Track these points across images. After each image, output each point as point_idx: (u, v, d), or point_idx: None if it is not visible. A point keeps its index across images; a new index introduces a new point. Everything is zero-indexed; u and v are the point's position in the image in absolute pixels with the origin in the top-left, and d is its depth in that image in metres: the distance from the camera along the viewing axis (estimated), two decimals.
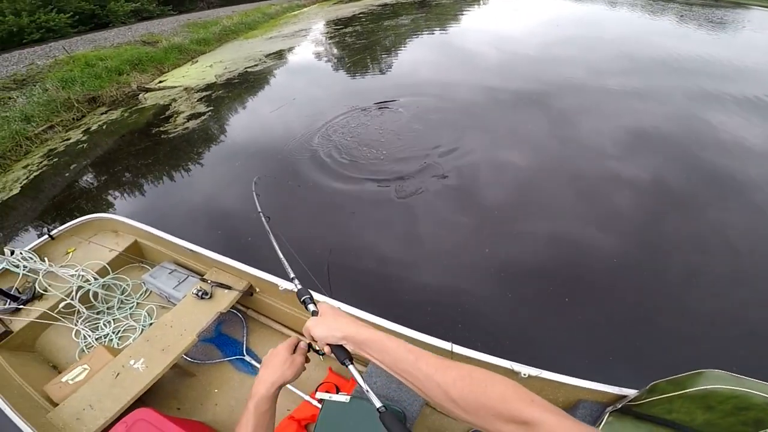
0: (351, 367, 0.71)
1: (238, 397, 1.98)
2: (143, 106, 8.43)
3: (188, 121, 7.03)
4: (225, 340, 2.26)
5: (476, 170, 4.35)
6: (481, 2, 17.40)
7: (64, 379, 1.76)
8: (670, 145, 4.67)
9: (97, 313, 2.36)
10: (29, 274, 2.32)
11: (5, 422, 1.56)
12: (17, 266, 2.30)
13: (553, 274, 3.04)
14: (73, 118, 8.02)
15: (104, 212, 2.83)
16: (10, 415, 1.55)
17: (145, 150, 6.13)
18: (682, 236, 3.37)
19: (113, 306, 2.40)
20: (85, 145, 6.74)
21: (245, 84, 9.05)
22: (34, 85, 8.96)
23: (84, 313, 2.28)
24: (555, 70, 7.36)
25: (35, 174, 5.85)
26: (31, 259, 2.38)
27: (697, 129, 5.02)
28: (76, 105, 8.28)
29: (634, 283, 2.97)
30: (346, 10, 18.82)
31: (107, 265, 2.46)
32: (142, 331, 2.24)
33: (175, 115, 7.38)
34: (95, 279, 2.37)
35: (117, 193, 5.08)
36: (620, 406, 1.36)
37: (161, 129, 6.81)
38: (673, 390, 1.20)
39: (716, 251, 3.22)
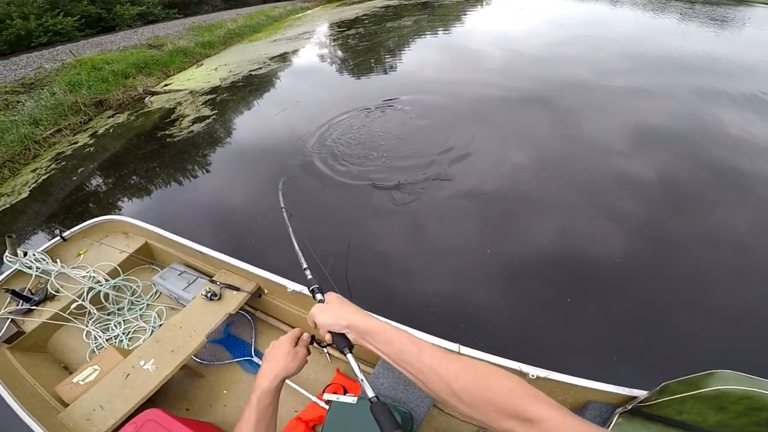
0: (349, 355, 0.71)
1: (247, 398, 1.99)
2: (149, 109, 8.53)
3: (193, 124, 7.10)
4: (234, 341, 2.28)
5: (481, 171, 4.35)
6: (484, 2, 17.40)
7: (75, 380, 1.79)
8: (676, 142, 4.65)
9: (108, 314, 2.40)
10: (42, 275, 2.36)
11: (17, 422, 1.59)
12: (30, 267, 2.34)
13: (557, 274, 3.04)
14: (81, 122, 8.13)
15: (113, 215, 2.87)
16: (21, 416, 1.59)
17: (152, 153, 6.20)
18: (690, 234, 3.36)
19: (123, 307, 2.44)
20: (92, 149, 6.84)
21: (249, 87, 9.12)
22: (42, 89, 9.10)
23: (95, 314, 2.32)
24: (559, 70, 7.35)
25: (44, 177, 5.94)
26: (44, 260, 2.42)
27: (703, 126, 4.99)
28: (84, 108, 8.40)
29: (640, 282, 2.96)
30: (350, 12, 18.91)
31: (118, 267, 2.50)
32: (151, 332, 2.27)
33: (181, 119, 7.46)
34: (106, 280, 2.41)
35: (125, 196, 5.15)
36: (630, 407, 1.35)
37: (167, 132, 6.89)
38: (684, 391, 1.18)
39: (724, 248, 3.20)
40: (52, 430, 1.56)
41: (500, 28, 12.06)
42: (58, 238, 2.65)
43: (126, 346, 2.24)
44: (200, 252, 2.28)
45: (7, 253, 2.40)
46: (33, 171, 6.20)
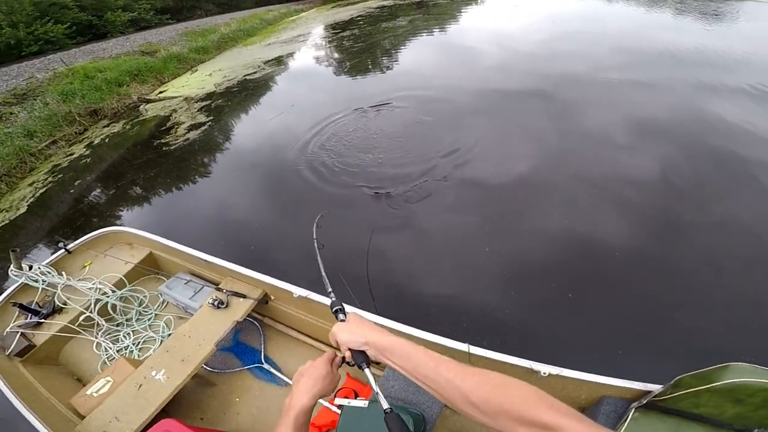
0: (366, 370, 0.76)
1: (260, 405, 2.04)
2: (144, 117, 8.58)
3: (189, 131, 7.15)
4: (243, 348, 2.32)
5: (482, 169, 4.40)
6: (479, 0, 17.52)
7: (89, 392, 1.83)
8: (674, 134, 4.70)
9: (117, 325, 2.43)
10: (48, 288, 2.40)
11: None
12: (36, 281, 2.39)
13: (560, 270, 3.08)
14: (76, 132, 8.17)
15: (113, 226, 2.91)
16: (40, 429, 1.62)
17: (149, 162, 6.25)
18: (694, 225, 3.39)
19: (132, 318, 2.48)
20: (89, 160, 6.88)
21: (244, 92, 9.19)
22: (35, 99, 9.16)
23: (104, 325, 2.36)
24: (556, 66, 7.42)
25: (41, 191, 5.98)
26: (50, 273, 2.46)
27: (701, 118, 5.05)
28: (78, 119, 8.44)
29: (643, 275, 2.99)
30: (344, 14, 19.02)
31: (123, 278, 2.54)
32: (161, 342, 2.31)
33: (176, 126, 7.51)
34: (113, 291, 2.45)
35: (125, 207, 5.20)
36: (645, 401, 1.36)
37: (163, 141, 6.94)
38: (698, 384, 1.19)
39: (729, 239, 3.23)
40: None
41: (496, 25, 12.15)
42: (63, 250, 2.69)
43: (137, 357, 2.27)
44: (205, 260, 2.32)
45: (12, 267, 2.44)
46: (30, 185, 6.24)
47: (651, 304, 2.77)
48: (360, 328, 0.77)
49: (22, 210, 5.50)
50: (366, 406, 1.34)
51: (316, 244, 1.43)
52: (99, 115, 9.01)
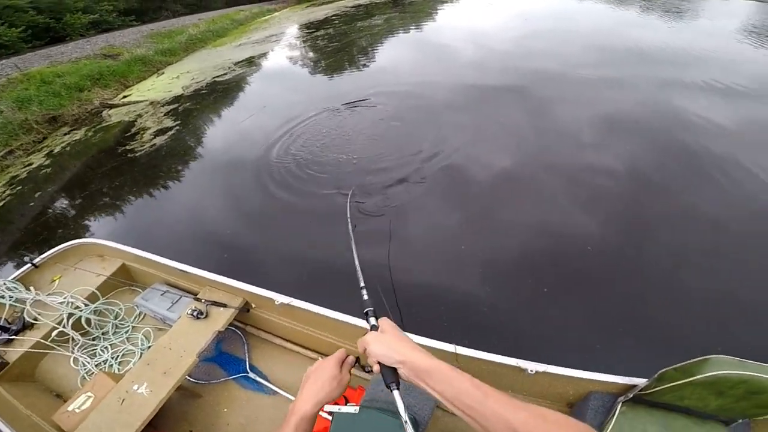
0: (396, 392, 0.70)
1: (248, 415, 2.03)
2: (108, 123, 8.34)
3: (156, 137, 7.00)
4: (227, 358, 2.30)
5: (457, 168, 4.49)
6: None
7: (70, 408, 1.79)
8: (642, 129, 4.95)
9: (93, 339, 2.38)
10: (16, 304, 2.33)
11: None
12: (2, 296, 2.30)
13: (533, 267, 3.17)
14: (34, 141, 7.86)
15: (82, 238, 2.83)
16: None
17: (115, 170, 6.09)
18: (662, 217, 3.57)
19: (108, 331, 2.43)
20: (49, 170, 6.63)
21: (214, 94, 9.07)
22: None
23: (79, 339, 2.30)
24: (530, 64, 7.68)
25: None
26: (16, 288, 2.38)
27: (666, 113, 5.34)
28: (36, 126, 8.12)
29: (616, 268, 3.11)
30: (319, 13, 19.03)
31: (96, 291, 2.49)
32: (141, 355, 2.27)
33: (142, 132, 7.34)
34: (86, 305, 2.39)
35: (93, 217, 5.04)
36: (631, 395, 1.42)
37: (129, 147, 6.76)
38: (681, 377, 1.24)
39: (695, 229, 3.43)
40: None
41: (470, 23, 12.47)
42: (29, 265, 2.60)
43: (116, 371, 2.23)
44: (181, 270, 2.29)
45: None
46: None
47: (625, 297, 2.89)
48: (398, 342, 0.71)
49: None
50: (357, 411, 1.37)
51: (350, 227, 1.37)
52: (59, 123, 8.69)
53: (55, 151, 7.37)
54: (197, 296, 2.23)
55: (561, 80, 6.73)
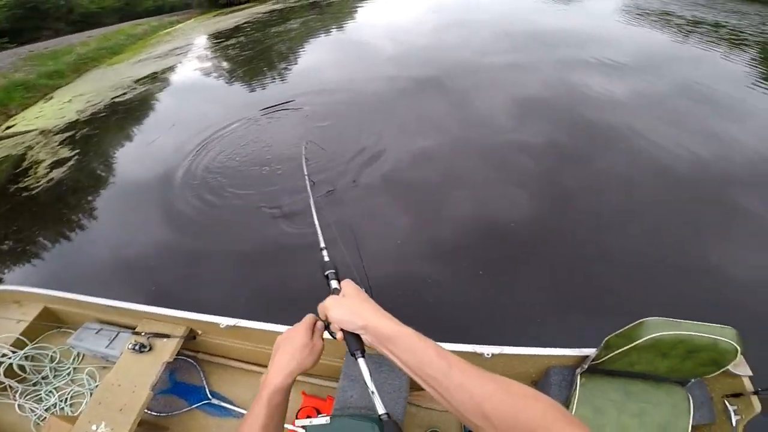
0: (361, 360, 0.67)
1: None
2: None
3: (53, 170, 6.38)
4: (184, 388, 2.27)
5: (384, 163, 4.65)
6: None
7: None
8: (550, 108, 5.51)
9: (34, 385, 2.33)
10: None
11: None
12: None
13: (468, 250, 3.36)
14: None
15: None
16: None
17: (11, 212, 5.47)
18: (581, 186, 3.98)
19: (48, 375, 2.37)
20: None
21: (115, 116, 8.52)
22: None
23: (17, 387, 2.25)
24: (445, 55, 8.18)
25: None
26: None
27: (568, 91, 6.01)
28: None
29: (543, 240, 3.39)
30: (228, 22, 18.51)
31: (21, 337, 2.36)
32: (91, 394, 2.23)
33: (36, 165, 6.66)
34: (13, 352, 2.30)
35: None
36: (586, 366, 1.47)
37: (23, 185, 6.09)
38: (624, 343, 1.29)
39: (611, 193, 3.86)
40: None
41: (389, 20, 13.00)
42: None
43: (69, 413, 2.19)
44: (111, 306, 2.21)
45: None
46: None
47: (555, 269, 3.13)
48: (360, 306, 0.67)
49: None
50: (328, 422, 1.38)
51: (308, 182, 1.35)
52: None
53: None
54: (136, 330, 2.18)
55: (475, 69, 7.24)
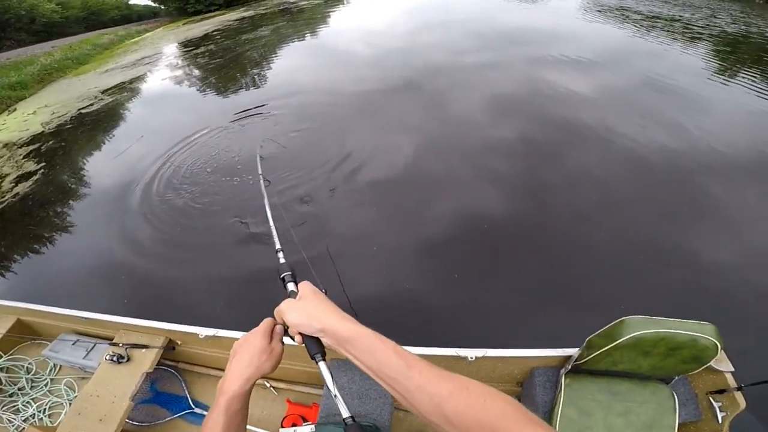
0: (322, 364, 0.65)
1: None
2: None
3: (17, 184, 6.22)
4: (166, 397, 2.27)
5: (360, 169, 4.65)
6: (345, 1, 18.59)
7: None
8: (523, 105, 5.65)
9: (10, 395, 2.33)
10: None
11: None
12: None
13: (444, 252, 3.35)
14: None
15: None
16: None
17: None
18: (554, 184, 4.04)
19: (24, 386, 2.37)
20: None
21: (82, 128, 8.32)
22: None
23: None
24: (419, 57, 8.29)
25: None
26: None
27: (538, 88, 6.18)
28: None
29: (521, 239, 3.41)
30: (198, 30, 18.39)
31: None
32: (70, 405, 2.21)
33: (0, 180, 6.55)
34: None
35: None
36: (570, 366, 1.46)
37: None
38: (606, 343, 1.28)
39: (583, 189, 3.92)
40: None
41: (362, 24, 13.13)
42: None
43: (48, 424, 2.19)
44: (85, 318, 2.21)
45: None
46: None
47: (531, 269, 3.14)
48: (317, 308, 0.66)
49: None
50: (313, 430, 1.38)
51: (262, 182, 1.28)
52: None
53: None
54: (113, 341, 2.16)
55: (448, 70, 7.35)
